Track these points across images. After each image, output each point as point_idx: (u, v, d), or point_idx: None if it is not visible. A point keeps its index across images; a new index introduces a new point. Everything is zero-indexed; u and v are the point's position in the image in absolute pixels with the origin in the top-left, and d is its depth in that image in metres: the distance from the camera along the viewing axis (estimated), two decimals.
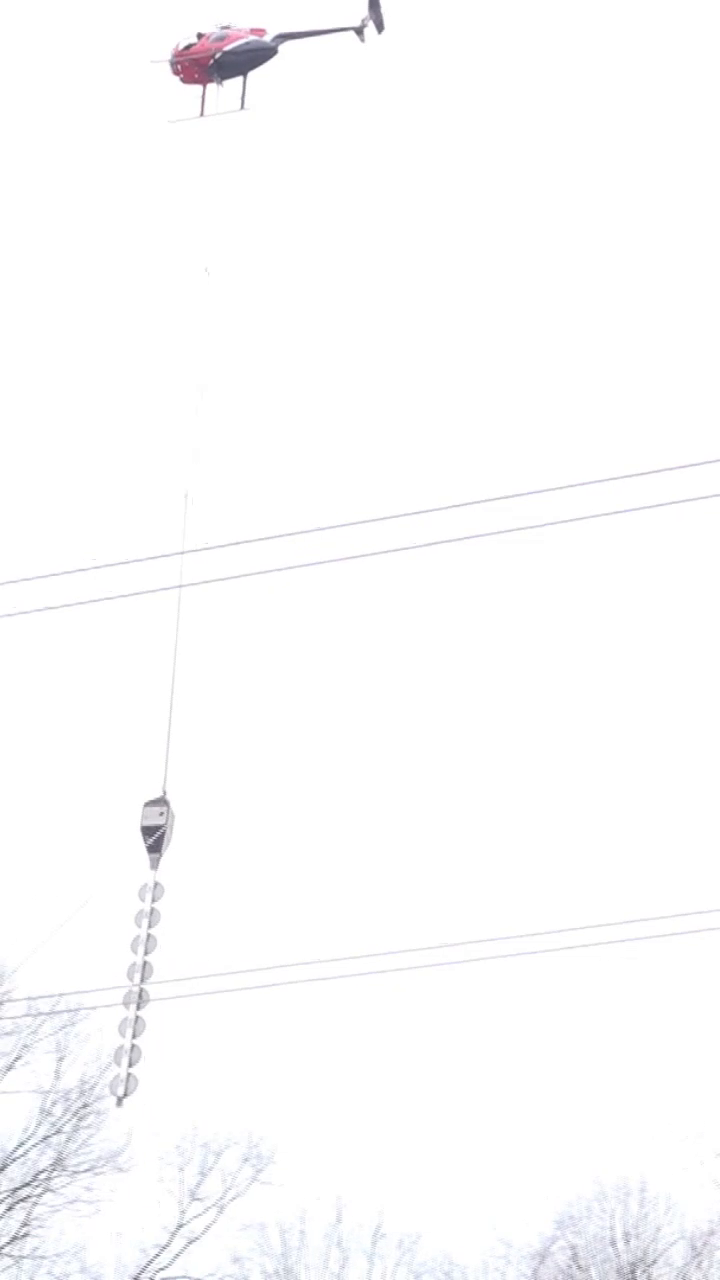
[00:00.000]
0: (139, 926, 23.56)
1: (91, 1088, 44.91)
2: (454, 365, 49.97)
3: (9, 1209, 44.30)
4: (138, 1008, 23.84)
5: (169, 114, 27.85)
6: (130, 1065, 24.06)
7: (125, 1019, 24.41)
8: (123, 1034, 24.31)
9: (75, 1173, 44.74)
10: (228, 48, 27.58)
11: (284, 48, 27.84)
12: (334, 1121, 44.95)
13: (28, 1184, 44.43)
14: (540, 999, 41.97)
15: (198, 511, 24.82)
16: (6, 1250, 44.27)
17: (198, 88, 27.90)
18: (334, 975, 22.40)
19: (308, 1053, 45.42)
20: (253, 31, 27.95)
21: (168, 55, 28.07)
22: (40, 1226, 44.61)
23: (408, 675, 50.58)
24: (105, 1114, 44.78)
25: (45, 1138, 44.73)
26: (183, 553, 21.80)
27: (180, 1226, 44.76)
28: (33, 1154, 44.62)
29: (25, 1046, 44.98)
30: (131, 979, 23.56)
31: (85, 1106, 44.88)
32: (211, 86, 27.77)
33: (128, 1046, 23.71)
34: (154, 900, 23.38)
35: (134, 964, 23.46)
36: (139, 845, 23.56)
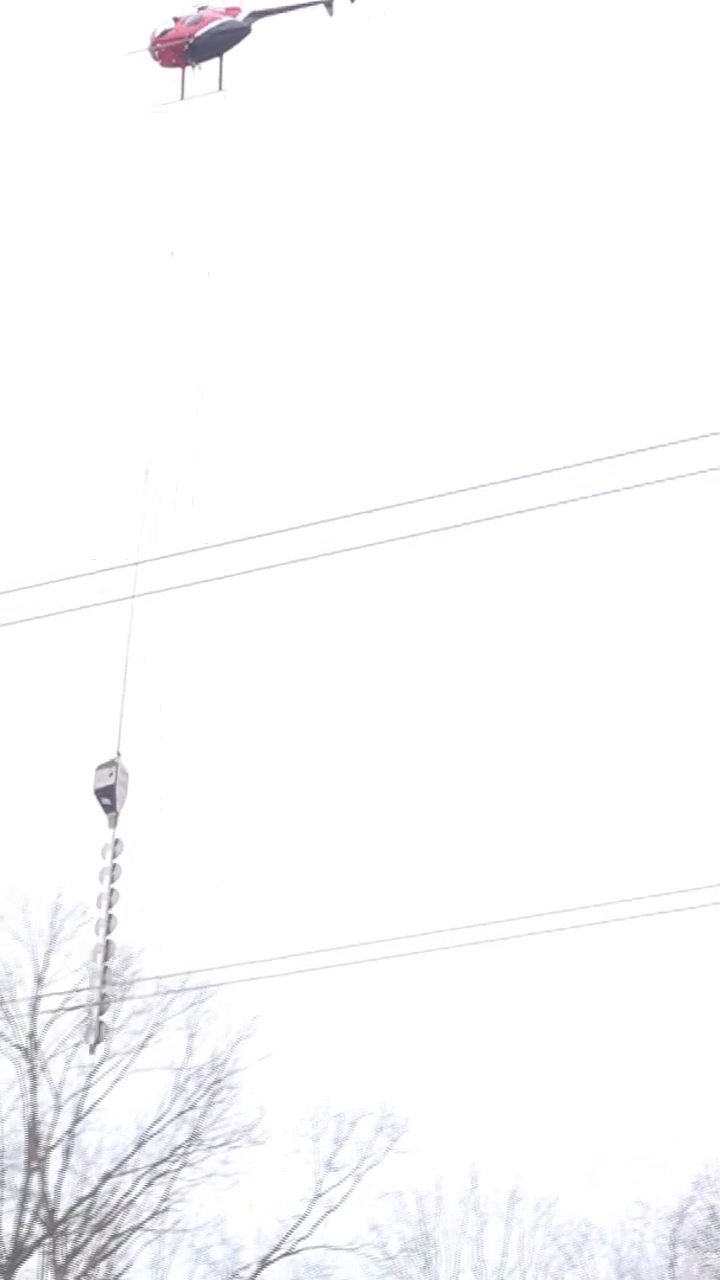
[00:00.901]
0: (101, 883, 24.15)
1: (223, 1063, 45.39)
2: (444, 350, 49.80)
3: (149, 1184, 44.89)
4: (105, 958, 24.28)
5: (151, 100, 28.21)
6: (100, 1014, 24.43)
7: (93, 970, 25.00)
8: (92, 984, 24.83)
9: (211, 1147, 45.24)
10: (200, 31, 27.81)
11: (258, 25, 28.03)
12: (466, 1088, 45.07)
13: (166, 1159, 44.99)
14: (680, 959, 41.79)
15: (169, 495, 25.00)
16: (149, 1224, 44.88)
17: (178, 72, 28.16)
18: (462, 943, 22.41)
19: (437, 1021, 45.56)
20: (228, 11, 28.19)
21: (146, 43, 28.31)
22: (180, 1200, 45.21)
23: (404, 658, 50.95)
24: (239, 1088, 45.30)
25: (181, 1113, 45.25)
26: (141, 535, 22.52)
27: (318, 1197, 45.14)
28: (169, 1129, 45.17)
29: (156, 1025, 45.45)
30: (97, 933, 24.15)
31: (218, 1081, 45.33)
32: (192, 70, 28.04)
33: (97, 997, 23.95)
34: (114, 857, 23.94)
35: (99, 919, 24.04)
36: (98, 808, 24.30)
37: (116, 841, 23.78)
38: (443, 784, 49.09)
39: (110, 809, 23.64)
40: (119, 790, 23.65)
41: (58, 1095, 44.98)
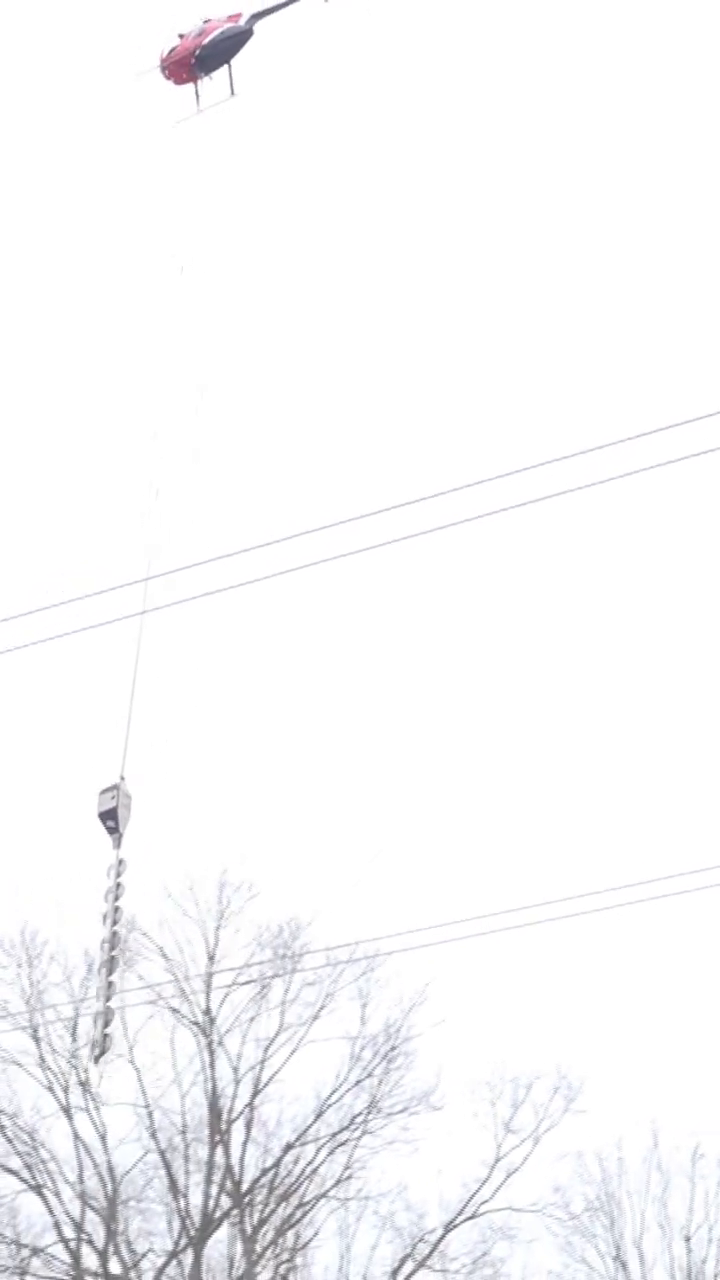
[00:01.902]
0: (106, 902, 24.42)
1: (397, 1030, 45.60)
2: (447, 349, 49.44)
3: (330, 1153, 45.32)
4: (109, 973, 24.47)
5: (169, 118, 28.30)
6: (105, 1026, 24.51)
7: (99, 986, 25.28)
8: (98, 998, 25.12)
9: (390, 1114, 45.50)
10: (204, 42, 27.88)
11: (260, 26, 27.93)
12: (644, 1046, 44.81)
13: (345, 1128, 45.35)
14: None
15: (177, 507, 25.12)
16: (332, 1193, 45.33)
17: (190, 87, 28.22)
18: (636, 900, 22.21)
19: (612, 979, 45.39)
20: (230, 19, 28.17)
21: (155, 64, 28.36)
22: (362, 1168, 45.58)
23: (403, 661, 51.00)
24: (414, 1055, 45.49)
25: (358, 1082, 45.57)
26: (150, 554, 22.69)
27: (498, 1160, 45.20)
28: (347, 1098, 45.53)
29: (328, 995, 45.80)
30: (103, 950, 24.43)
31: (394, 1049, 45.58)
32: (203, 81, 28.06)
33: (102, 1009, 24.40)
34: (118, 876, 24.35)
35: (104, 937, 24.31)
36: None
37: (120, 861, 24.28)
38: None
39: (114, 831, 24.14)
40: (121, 813, 24.14)
41: (236, 1069, 45.61)
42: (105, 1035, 24.35)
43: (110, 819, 24.13)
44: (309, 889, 44.96)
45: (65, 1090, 45.49)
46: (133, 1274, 45.11)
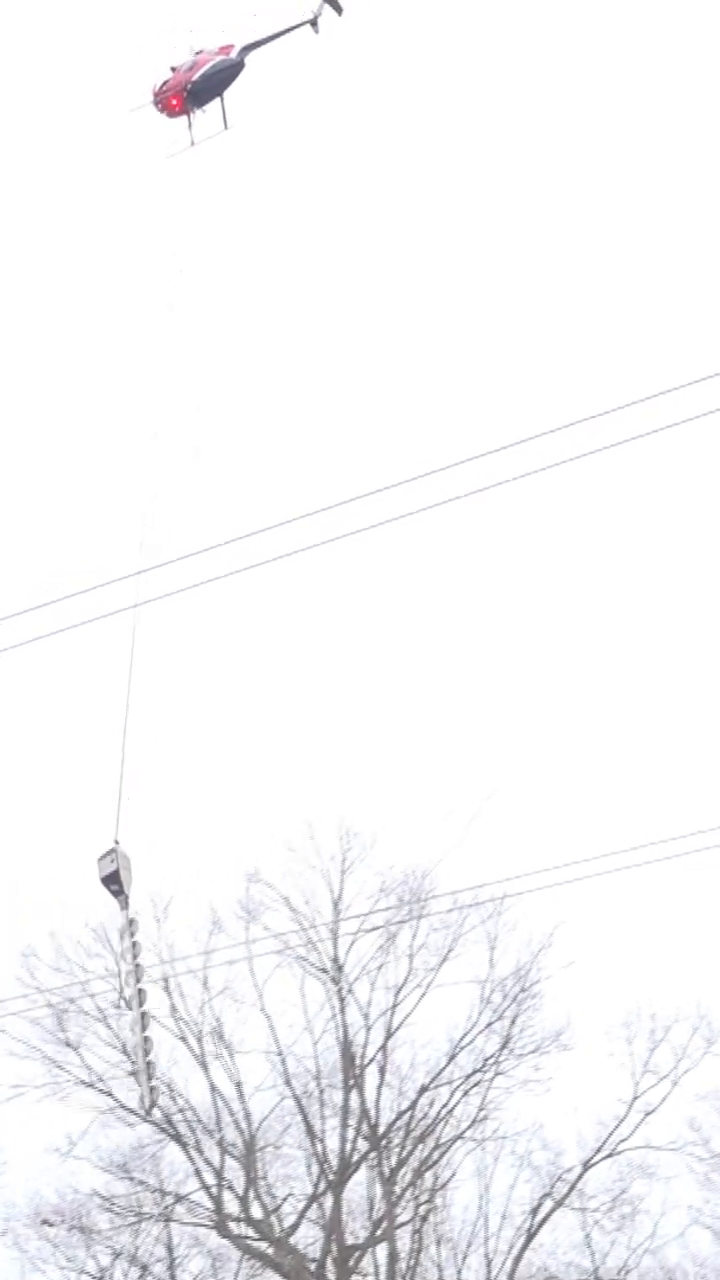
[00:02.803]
0: (124, 961, 24.43)
1: (527, 973, 45.66)
2: (431, 341, 49.07)
3: (465, 1094, 45.57)
4: (143, 1029, 24.20)
5: (162, 150, 28.32)
6: (151, 1080, 24.36)
7: (134, 1044, 25.19)
8: (134, 1055, 25.03)
9: (522, 1055, 45.63)
10: (197, 76, 27.79)
11: (251, 58, 27.85)
12: None
13: (478, 1070, 45.54)
14: None
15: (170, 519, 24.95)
16: (468, 1134, 45.62)
17: (184, 119, 28.20)
18: None
19: None
20: (221, 50, 28.03)
21: (148, 98, 28.34)
22: (496, 1109, 45.85)
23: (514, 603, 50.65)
24: (545, 997, 45.57)
25: (489, 1024, 45.74)
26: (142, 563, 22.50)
27: (635, 1099, 45.22)
28: (479, 1040, 45.70)
29: (456, 939, 45.92)
30: (132, 1007, 24.41)
31: (524, 991, 45.66)
32: (197, 114, 28.03)
33: (143, 1065, 24.12)
34: (133, 936, 24.18)
35: (129, 995, 24.36)
36: None
37: (132, 922, 24.12)
38: None
39: (119, 894, 23.90)
40: (123, 875, 23.80)
41: (366, 1015, 45.93)
42: (153, 1088, 24.30)
43: (113, 883, 23.81)
44: (432, 835, 45.12)
45: (199, 1040, 46.08)
46: (274, 1218, 45.75)
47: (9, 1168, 49.60)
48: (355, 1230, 45.74)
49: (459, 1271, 46.19)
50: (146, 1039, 24.04)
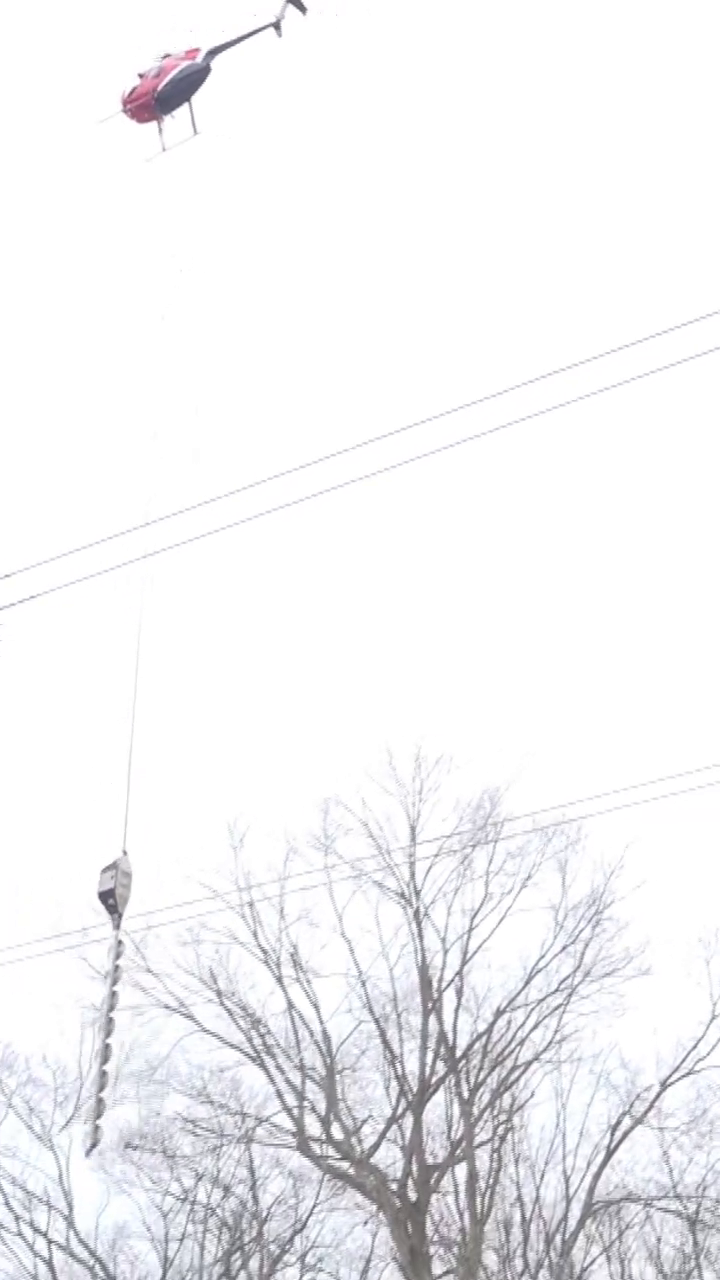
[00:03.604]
0: (105, 983, 24.09)
1: (601, 895, 45.81)
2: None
3: (541, 1017, 45.83)
4: (102, 1061, 24.40)
5: (135, 157, 28.71)
6: (98, 1118, 24.04)
7: (93, 1075, 24.87)
8: (92, 1088, 24.80)
9: (598, 978, 45.81)
10: (163, 84, 27.89)
11: (216, 62, 28.02)
12: None
13: (554, 992, 45.78)
14: None
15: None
16: (545, 1056, 45.91)
17: (154, 126, 28.50)
18: None
19: None
20: (187, 55, 28.13)
21: (117, 107, 28.56)
22: (574, 1030, 46.10)
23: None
24: (620, 919, 45.68)
25: (564, 948, 45.95)
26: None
27: (714, 1019, 45.30)
28: (554, 964, 45.93)
29: (533, 865, 46.08)
30: (98, 1036, 24.16)
31: (598, 914, 45.80)
32: (166, 119, 28.33)
33: (94, 1100, 24.02)
34: (117, 958, 23.94)
35: (99, 1021, 24.03)
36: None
37: (120, 943, 23.94)
38: None
39: (113, 910, 23.70)
40: (120, 892, 23.62)
41: (443, 939, 46.26)
42: (96, 1127, 23.80)
43: (109, 898, 23.67)
44: (506, 760, 45.25)
45: (278, 964, 46.59)
46: (354, 1139, 46.31)
47: None
48: (435, 1150, 46.26)
49: (538, 1190, 46.70)
50: (104, 1073, 24.28)
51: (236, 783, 50.37)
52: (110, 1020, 24.09)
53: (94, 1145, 23.98)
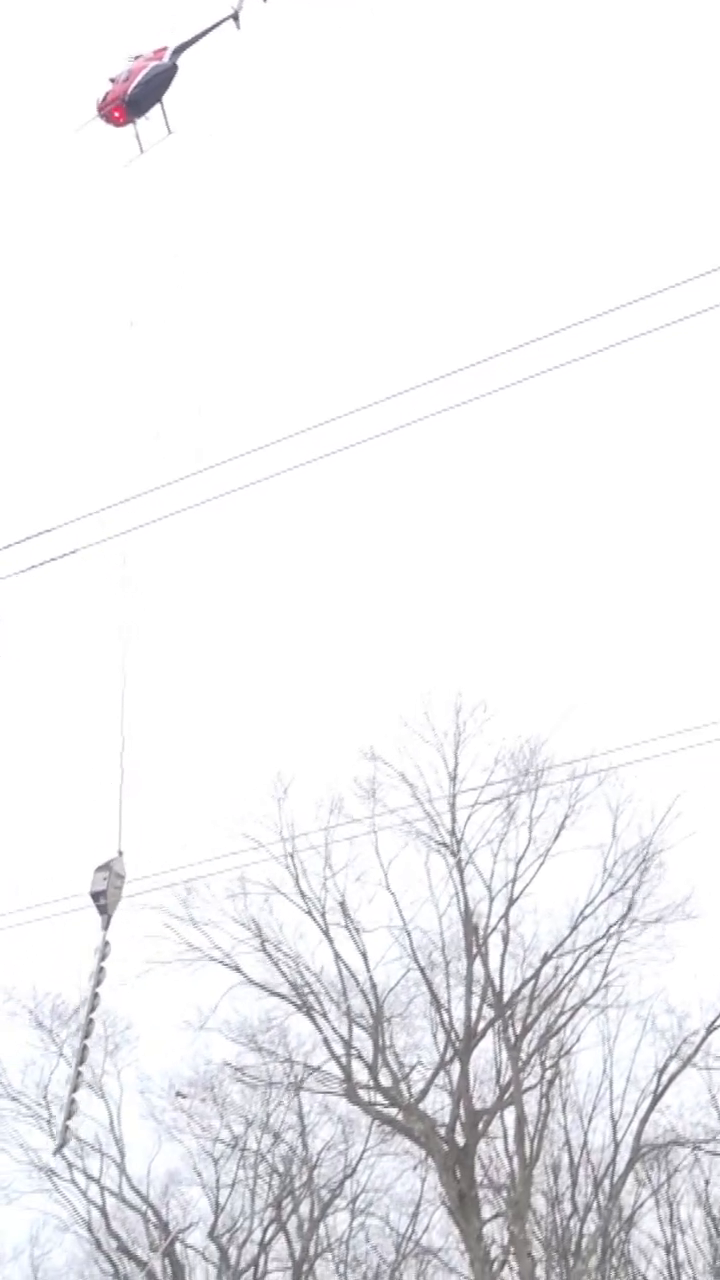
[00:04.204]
0: (89, 982, 24.05)
1: (649, 843, 45.75)
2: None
3: (587, 963, 45.91)
4: (79, 1062, 24.42)
5: (117, 160, 28.97)
6: (69, 1118, 24.15)
7: (70, 1075, 24.77)
8: (67, 1086, 24.68)
9: (644, 923, 45.81)
10: (133, 87, 28.16)
11: (182, 59, 28.30)
12: None
13: (601, 938, 45.83)
14: None
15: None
16: (592, 1001, 46.02)
17: (130, 128, 28.75)
18: None
19: None
20: (155, 54, 28.33)
21: (93, 113, 28.77)
22: (620, 976, 46.14)
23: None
24: (667, 866, 45.65)
25: (612, 894, 45.95)
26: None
27: None
28: (601, 910, 45.95)
29: (573, 809, 46.00)
30: (77, 1036, 24.09)
31: (645, 861, 45.75)
32: (141, 120, 28.59)
33: (67, 1100, 24.09)
34: (102, 960, 23.88)
35: (80, 1021, 23.88)
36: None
37: (106, 944, 23.89)
38: None
39: (103, 911, 23.70)
40: (111, 894, 23.62)
41: (488, 886, 46.33)
42: (67, 1127, 24.08)
43: (100, 898, 23.68)
44: (547, 707, 45.16)
45: (324, 914, 46.78)
46: (402, 1085, 46.61)
47: (143, 1042, 51.08)
48: (483, 1096, 46.53)
49: (585, 1134, 46.98)
50: (79, 1074, 24.35)
51: (280, 735, 50.44)
52: (90, 1022, 24.35)
53: (63, 1144, 23.95)
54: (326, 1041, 47.17)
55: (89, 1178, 51.12)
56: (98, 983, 23.83)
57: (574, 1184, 46.74)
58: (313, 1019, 47.14)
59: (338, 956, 46.81)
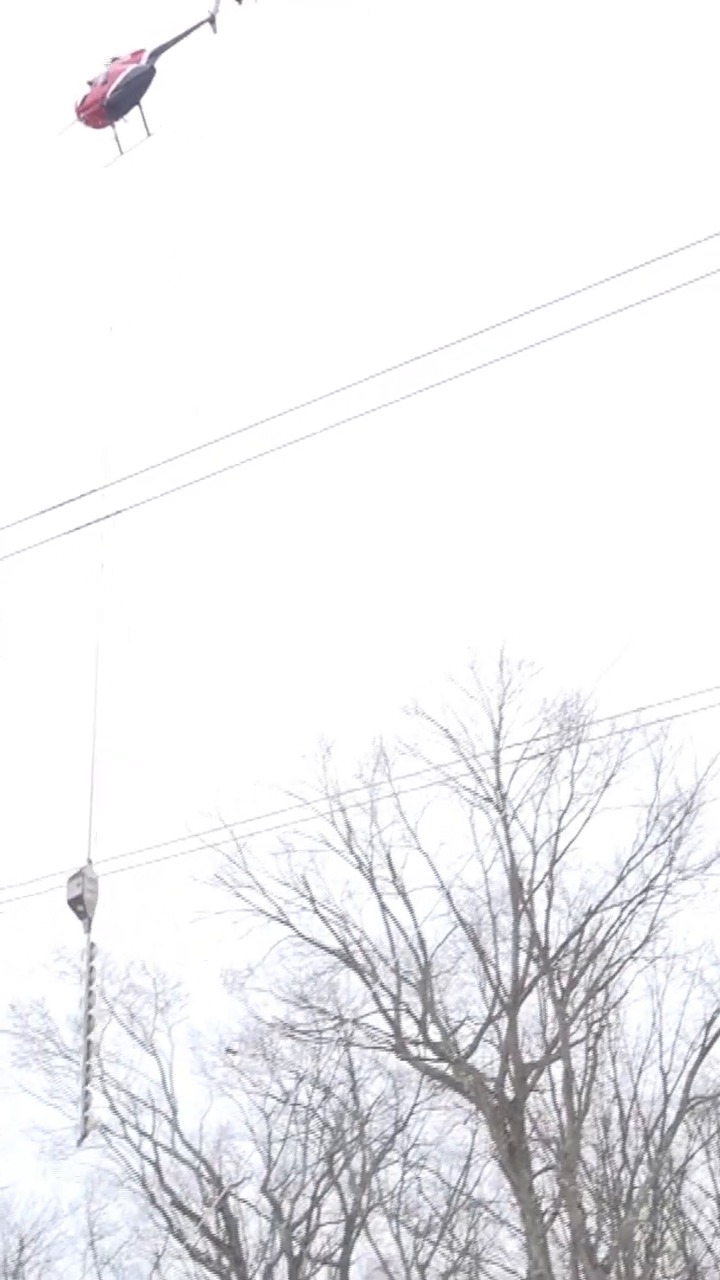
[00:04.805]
0: (81, 985, 24.89)
1: (694, 794, 45.62)
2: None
3: (633, 915, 45.89)
4: (86, 1057, 24.82)
5: (98, 162, 29.10)
6: (85, 1110, 24.42)
7: (80, 1069, 25.43)
8: (81, 1080, 25.12)
9: (690, 875, 45.73)
10: (111, 90, 28.26)
11: (160, 62, 28.38)
12: None
13: (646, 890, 45.77)
14: None
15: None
16: (639, 953, 46.01)
17: (109, 130, 28.89)
18: None
19: None
20: (133, 57, 28.42)
21: (72, 117, 28.91)
22: (664, 928, 46.09)
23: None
24: (711, 816, 45.52)
25: (656, 846, 45.85)
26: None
27: None
28: (646, 861, 45.86)
29: (617, 763, 45.92)
30: (80, 1034, 24.40)
31: (689, 812, 45.64)
32: (120, 123, 28.73)
33: (81, 1093, 24.40)
34: (91, 960, 24.40)
35: (79, 1018, 24.33)
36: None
37: (91, 945, 24.32)
38: None
39: (83, 916, 24.08)
40: (88, 898, 23.98)
41: (532, 841, 46.32)
42: (85, 1119, 24.34)
43: (79, 904, 24.09)
44: (590, 660, 45.03)
45: (370, 870, 46.90)
46: (451, 1040, 46.80)
47: (193, 999, 51.53)
48: (531, 1050, 46.63)
49: (635, 1086, 47.04)
50: (89, 1067, 24.73)
51: (324, 694, 50.51)
52: (90, 1019, 24.99)
53: (84, 1135, 24.82)
54: (375, 997, 47.41)
55: (142, 1134, 51.74)
56: (90, 982, 24.68)
57: (624, 1136, 46.86)
58: (361, 975, 47.39)
59: (385, 911, 47.00)
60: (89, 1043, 25.08)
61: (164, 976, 51.84)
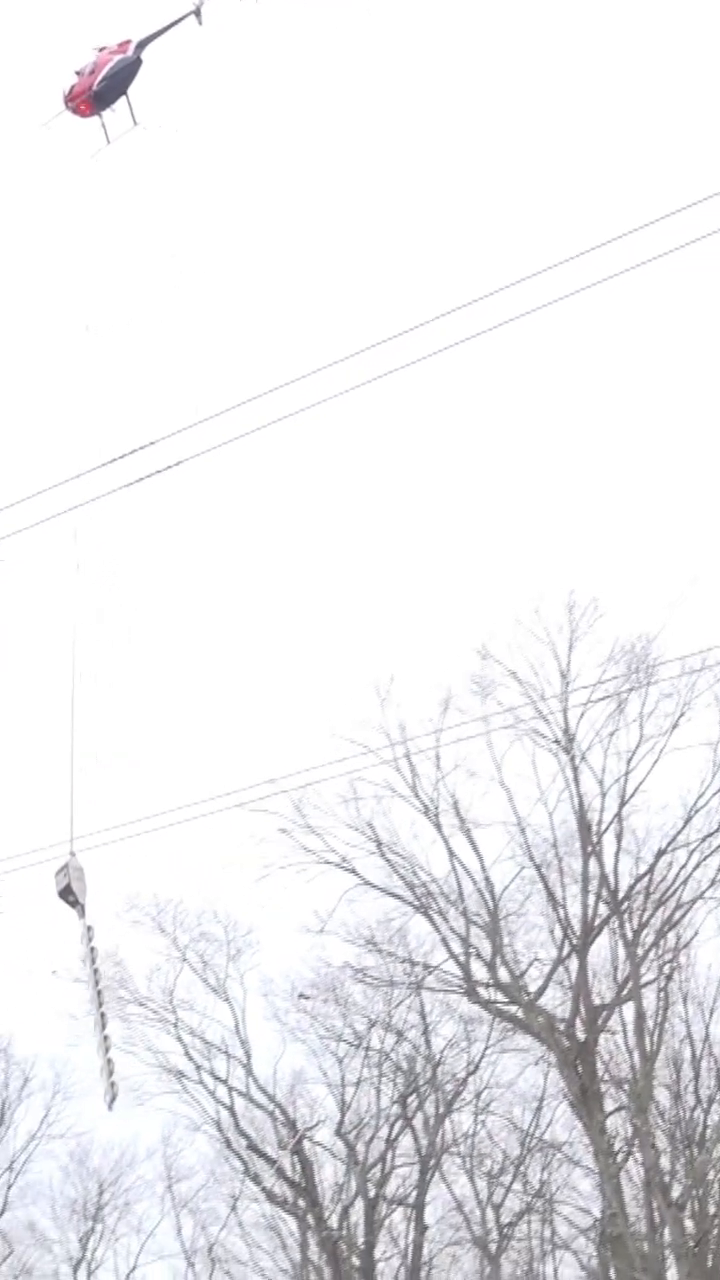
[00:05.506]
0: (84, 966, 25.64)
1: None
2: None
3: (704, 856, 45.64)
4: (102, 1028, 25.82)
5: (84, 152, 29.45)
6: (110, 1075, 25.44)
7: (96, 1041, 25.99)
8: (98, 1053, 25.82)
9: None
10: (98, 80, 28.48)
11: (146, 53, 28.65)
12: None
13: (716, 830, 45.54)
14: None
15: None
16: (709, 894, 45.78)
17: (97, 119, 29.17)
18: None
19: None
20: (120, 47, 28.59)
21: (60, 108, 29.14)
22: None
23: None
24: None
25: None
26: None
27: None
28: (715, 802, 45.60)
29: (686, 704, 45.62)
30: (92, 1008, 25.74)
31: None
32: (108, 113, 28.99)
33: (103, 1062, 25.33)
34: (91, 941, 25.30)
35: (89, 997, 25.65)
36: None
37: (89, 929, 25.28)
38: None
39: (76, 903, 25.04)
40: (77, 885, 24.91)
41: (601, 783, 46.18)
42: (112, 1084, 25.32)
43: (69, 894, 24.99)
44: (656, 603, 44.74)
45: (437, 815, 46.97)
46: (521, 983, 46.89)
47: (264, 946, 51.94)
48: (601, 991, 46.68)
49: (706, 1027, 47.00)
50: (106, 1037, 25.75)
51: (392, 640, 50.44)
52: (99, 994, 25.87)
53: (113, 1098, 25.69)
54: (445, 941, 47.59)
55: (217, 1079, 52.30)
56: (93, 960, 25.40)
57: (696, 1076, 46.85)
58: (430, 919, 47.55)
59: (452, 855, 47.06)
60: (102, 1015, 26.08)
61: (235, 924, 52.30)
